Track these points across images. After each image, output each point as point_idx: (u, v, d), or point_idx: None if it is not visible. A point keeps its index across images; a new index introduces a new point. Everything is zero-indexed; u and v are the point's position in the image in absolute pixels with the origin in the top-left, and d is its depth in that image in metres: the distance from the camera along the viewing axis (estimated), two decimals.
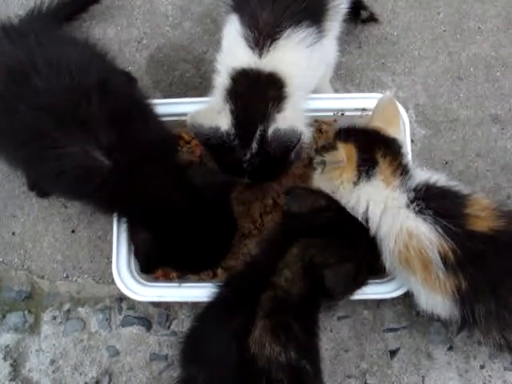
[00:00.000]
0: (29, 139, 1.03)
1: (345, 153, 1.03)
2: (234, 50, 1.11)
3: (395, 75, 1.44)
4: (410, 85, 1.43)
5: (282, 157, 1.05)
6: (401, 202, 1.02)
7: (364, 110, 1.25)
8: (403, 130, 1.23)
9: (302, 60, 1.11)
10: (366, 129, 1.11)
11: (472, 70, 1.44)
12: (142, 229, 1.07)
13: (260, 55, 1.07)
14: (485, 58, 1.44)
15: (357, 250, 1.01)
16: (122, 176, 1.02)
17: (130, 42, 1.49)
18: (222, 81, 1.10)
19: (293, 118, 1.06)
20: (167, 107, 1.26)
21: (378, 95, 1.25)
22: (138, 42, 1.49)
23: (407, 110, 1.36)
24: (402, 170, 1.06)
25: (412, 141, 1.31)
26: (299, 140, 1.02)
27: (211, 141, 1.06)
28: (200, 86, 1.45)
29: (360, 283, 1.03)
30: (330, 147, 1.06)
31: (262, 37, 1.07)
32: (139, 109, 1.13)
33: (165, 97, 1.42)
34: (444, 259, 0.97)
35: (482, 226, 0.99)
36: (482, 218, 1.00)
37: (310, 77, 1.16)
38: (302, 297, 0.95)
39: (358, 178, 1.04)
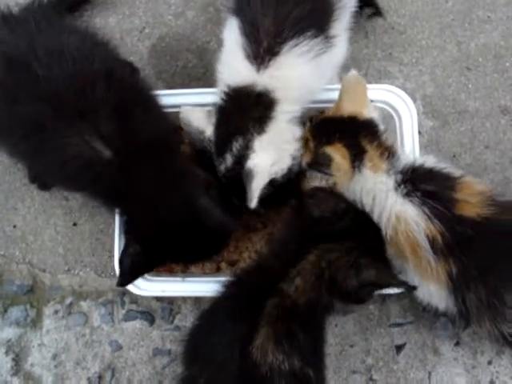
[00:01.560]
0: (29, 129, 1.01)
1: (340, 157, 1.02)
2: (231, 63, 1.07)
3: (402, 65, 1.41)
4: (418, 75, 1.40)
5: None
6: (388, 185, 1.01)
7: (371, 101, 1.22)
8: (411, 121, 1.21)
9: (304, 75, 1.05)
10: (343, 119, 1.07)
11: (481, 60, 1.41)
12: (134, 236, 1.05)
13: (258, 70, 1.02)
14: (494, 48, 1.41)
15: (378, 253, 0.98)
16: (121, 167, 1.00)
17: (132, 32, 1.46)
18: (218, 94, 1.08)
19: (273, 145, 1.03)
20: (170, 98, 1.23)
21: (386, 86, 1.23)
22: (140, 32, 1.46)
23: (414, 100, 1.34)
24: (389, 153, 1.04)
25: (419, 132, 1.29)
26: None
27: (197, 143, 1.07)
28: (203, 77, 1.42)
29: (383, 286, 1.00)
30: (324, 160, 1.02)
31: (261, 50, 1.01)
32: (142, 100, 1.10)
33: (167, 87, 1.40)
34: (432, 242, 0.96)
35: (471, 211, 0.97)
36: (471, 203, 0.97)
37: (313, 87, 1.11)
38: (310, 305, 0.92)
39: (353, 173, 1.03)
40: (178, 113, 1.21)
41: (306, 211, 1.00)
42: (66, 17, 1.26)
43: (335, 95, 1.23)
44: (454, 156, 1.35)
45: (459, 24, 1.43)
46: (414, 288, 0.95)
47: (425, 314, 1.26)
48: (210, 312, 1.02)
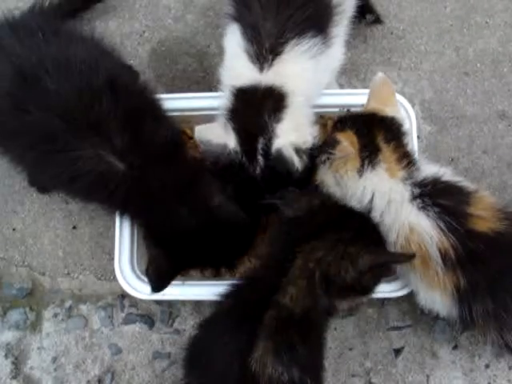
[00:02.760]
0: (39, 141, 1.01)
1: (348, 142, 1.02)
2: (234, 66, 1.09)
3: (401, 70, 1.42)
4: (416, 80, 1.41)
5: (289, 175, 1.04)
6: (405, 196, 1.01)
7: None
8: (410, 126, 1.22)
9: (306, 72, 1.08)
10: (362, 113, 1.10)
11: (479, 65, 1.42)
12: (154, 241, 1.07)
13: (261, 70, 1.05)
14: (492, 54, 1.42)
15: (366, 239, 0.95)
16: (135, 180, 1.01)
17: (132, 35, 1.46)
18: (224, 100, 1.08)
19: (293, 126, 1.04)
20: (170, 102, 1.23)
21: None
22: (140, 35, 1.46)
23: (413, 105, 1.34)
24: (408, 161, 1.04)
25: (418, 137, 1.29)
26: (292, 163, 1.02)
27: (221, 160, 1.05)
28: (203, 80, 1.42)
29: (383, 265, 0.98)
30: (332, 142, 1.03)
31: (264, 51, 1.04)
32: (150, 107, 1.11)
33: (167, 91, 1.40)
34: (444, 256, 0.97)
35: (484, 226, 0.98)
36: (484, 218, 0.99)
37: (315, 84, 1.13)
38: (307, 312, 0.90)
39: (362, 166, 1.03)
40: (178, 117, 1.22)
41: (281, 214, 1.00)
42: (67, 21, 1.26)
43: (335, 100, 1.26)
44: (452, 160, 1.36)
45: (458, 29, 1.44)
46: (413, 256, 0.93)
47: (423, 318, 1.26)
48: (210, 321, 1.02)
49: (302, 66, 1.07)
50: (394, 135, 1.06)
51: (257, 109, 1.04)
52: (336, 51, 1.17)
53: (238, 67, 1.07)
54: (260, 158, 1.04)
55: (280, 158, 1.02)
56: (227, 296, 0.99)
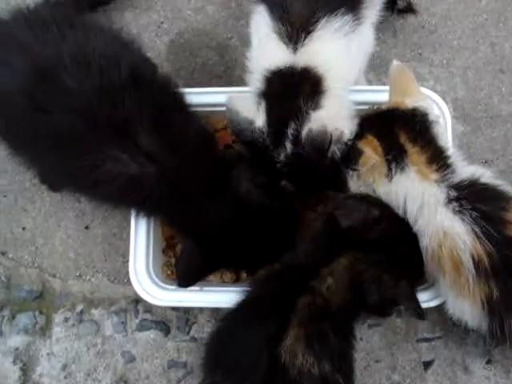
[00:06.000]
0: (59, 143, 0.96)
1: (370, 150, 0.97)
2: (265, 47, 1.03)
3: (432, 67, 1.35)
4: (449, 77, 1.34)
5: (319, 159, 0.97)
6: (439, 199, 0.96)
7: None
8: (445, 125, 1.15)
9: (340, 50, 1.02)
10: (381, 111, 1.04)
11: None
12: (187, 237, 1.03)
13: (294, 50, 0.99)
14: None
15: (408, 268, 0.95)
16: (169, 181, 0.96)
17: (150, 27, 1.41)
18: (254, 81, 1.03)
19: (331, 115, 0.98)
20: (190, 97, 1.16)
21: None
22: (158, 27, 1.41)
23: (445, 104, 1.27)
24: (441, 162, 0.98)
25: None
26: (331, 142, 0.95)
27: (245, 134, 1.00)
28: (224, 75, 1.37)
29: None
30: (353, 154, 0.99)
31: (295, 30, 0.99)
32: (176, 103, 1.05)
33: (186, 85, 1.33)
34: (477, 263, 0.91)
35: None
36: None
37: (349, 67, 1.07)
38: (342, 307, 0.90)
39: (390, 170, 0.98)
40: (203, 112, 1.15)
41: (335, 221, 0.96)
42: (86, 14, 1.20)
43: (364, 97, 1.19)
44: (486, 162, 1.30)
45: (493, 24, 1.37)
46: (423, 317, 0.93)
47: (454, 329, 1.20)
48: (234, 313, 0.98)
49: (336, 44, 1.01)
50: (419, 131, 1.00)
51: (292, 92, 0.98)
52: (367, 33, 1.12)
53: (270, 48, 1.02)
54: (288, 143, 0.98)
55: (313, 141, 0.95)
56: (256, 283, 0.98)
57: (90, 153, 0.94)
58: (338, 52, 1.02)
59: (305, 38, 0.99)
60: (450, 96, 1.33)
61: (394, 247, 0.96)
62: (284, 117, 0.98)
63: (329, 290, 0.89)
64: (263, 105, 1.00)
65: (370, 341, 1.21)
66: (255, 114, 1.00)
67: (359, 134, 1.01)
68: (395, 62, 1.05)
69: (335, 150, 0.98)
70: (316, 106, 0.98)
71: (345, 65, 1.04)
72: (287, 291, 0.90)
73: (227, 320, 0.98)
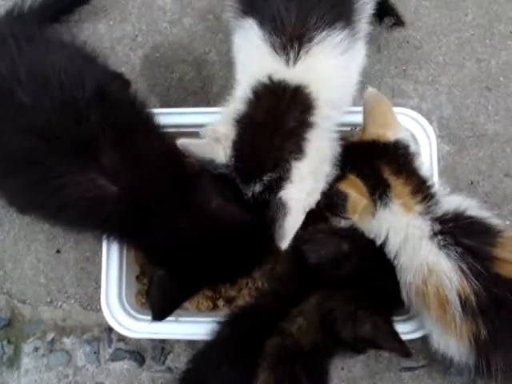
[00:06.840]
0: (17, 167, 0.91)
1: (355, 192, 0.93)
2: (256, 60, 0.94)
3: (417, 84, 1.31)
4: (434, 95, 1.30)
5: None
6: (424, 232, 0.92)
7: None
8: (429, 146, 1.12)
9: (336, 67, 0.94)
10: (360, 144, 1.00)
11: (502, 79, 1.31)
12: (157, 264, 0.98)
13: (288, 62, 0.90)
14: None
15: (381, 304, 0.91)
16: (131, 201, 0.91)
17: (124, 40, 1.35)
18: (237, 100, 0.94)
19: (312, 169, 0.90)
20: (164, 117, 1.11)
21: (401, 109, 1.14)
22: (133, 40, 1.35)
23: (430, 122, 1.23)
24: (425, 193, 0.95)
25: None
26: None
27: (209, 168, 0.94)
28: (201, 91, 1.32)
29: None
30: (338, 200, 0.93)
31: (291, 40, 0.90)
32: (142, 120, 1.00)
33: (161, 102, 1.30)
34: (464, 302, 0.88)
35: (511, 271, 0.89)
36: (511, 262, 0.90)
37: (347, 91, 1.00)
38: (314, 347, 0.86)
39: (375, 207, 0.94)
40: (172, 133, 1.10)
41: (303, 257, 0.92)
42: (49, 27, 1.14)
43: (347, 117, 1.14)
44: (472, 184, 1.26)
45: (479, 40, 1.33)
46: (409, 355, 0.87)
47: (438, 358, 1.16)
48: (204, 354, 0.95)
49: (330, 64, 0.93)
50: (402, 163, 0.97)
51: (278, 119, 0.89)
52: (361, 48, 1.04)
53: (260, 60, 0.93)
54: (258, 185, 0.90)
55: (281, 212, 0.87)
56: (224, 324, 0.94)
57: (51, 177, 0.89)
58: (334, 68, 0.95)
59: (299, 51, 0.90)
60: (436, 114, 1.29)
61: (367, 282, 0.93)
62: (260, 154, 0.89)
63: (299, 330, 0.86)
64: (233, 135, 0.92)
65: (351, 370, 1.18)
66: (213, 153, 0.92)
67: (339, 176, 0.95)
68: (370, 89, 1.00)
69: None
70: (299, 153, 0.89)
71: (342, 88, 0.98)
72: (256, 333, 0.88)
73: (195, 362, 0.95)
